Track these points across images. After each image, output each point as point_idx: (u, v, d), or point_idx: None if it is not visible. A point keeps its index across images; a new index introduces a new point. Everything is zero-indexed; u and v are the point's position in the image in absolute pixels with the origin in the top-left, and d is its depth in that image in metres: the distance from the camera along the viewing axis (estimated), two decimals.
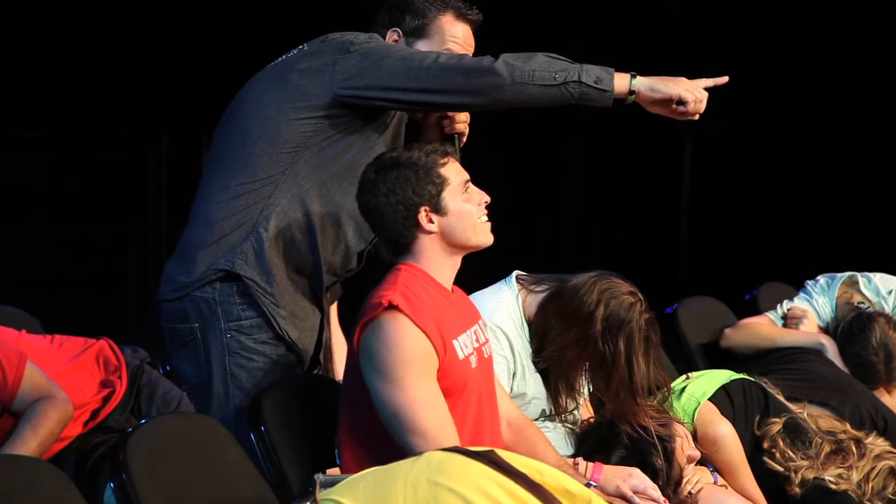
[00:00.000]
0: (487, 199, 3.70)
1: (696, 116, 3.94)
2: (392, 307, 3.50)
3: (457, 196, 3.65)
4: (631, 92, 3.89)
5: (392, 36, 4.07)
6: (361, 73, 3.86)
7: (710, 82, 3.97)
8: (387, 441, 3.52)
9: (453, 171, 3.66)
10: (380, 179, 3.63)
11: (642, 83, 3.91)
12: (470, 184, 3.70)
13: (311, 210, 3.93)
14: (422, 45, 4.04)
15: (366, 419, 3.58)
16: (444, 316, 3.61)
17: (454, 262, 3.70)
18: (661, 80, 3.93)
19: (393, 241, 3.67)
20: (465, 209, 3.65)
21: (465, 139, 4.11)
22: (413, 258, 3.66)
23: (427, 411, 3.49)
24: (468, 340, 3.67)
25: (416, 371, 3.49)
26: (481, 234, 3.68)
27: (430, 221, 3.63)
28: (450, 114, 4.08)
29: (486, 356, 3.75)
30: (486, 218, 3.69)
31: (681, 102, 3.93)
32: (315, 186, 3.93)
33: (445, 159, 3.66)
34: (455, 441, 3.49)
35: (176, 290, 3.96)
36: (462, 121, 4.10)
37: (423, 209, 3.62)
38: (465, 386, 3.61)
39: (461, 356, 3.61)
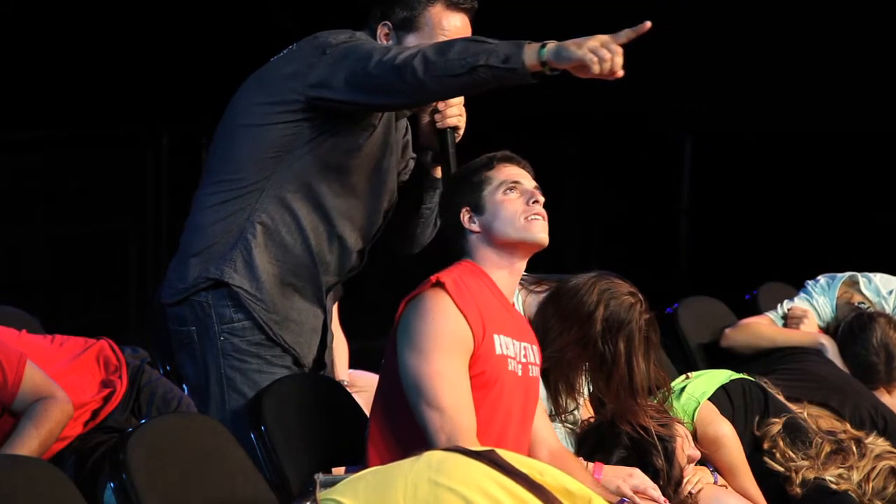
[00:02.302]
0: (539, 198, 3.72)
1: (618, 74, 3.54)
2: (438, 285, 3.59)
3: (497, 193, 3.72)
4: (543, 63, 3.58)
5: (382, 30, 3.99)
6: (327, 77, 3.81)
7: (633, 34, 3.57)
8: (416, 428, 3.55)
9: (500, 173, 3.75)
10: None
11: (550, 52, 3.56)
12: (521, 184, 3.74)
13: (299, 214, 3.91)
14: (411, 39, 3.95)
15: (397, 403, 3.61)
16: (493, 312, 3.66)
17: (510, 266, 3.73)
18: (571, 43, 3.56)
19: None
20: (502, 205, 3.70)
21: (460, 133, 4.03)
22: (471, 257, 3.75)
23: (448, 388, 3.52)
24: (514, 347, 3.69)
25: (445, 348, 3.55)
26: (523, 231, 3.70)
27: (472, 221, 3.72)
28: (440, 108, 4.00)
29: (531, 375, 3.76)
30: (536, 216, 3.70)
31: None
32: (301, 190, 3.91)
33: (495, 163, 3.76)
34: (471, 423, 3.52)
35: (174, 294, 3.96)
36: (453, 115, 4.00)
37: (463, 209, 3.73)
38: (496, 381, 3.63)
39: (498, 352, 3.64)
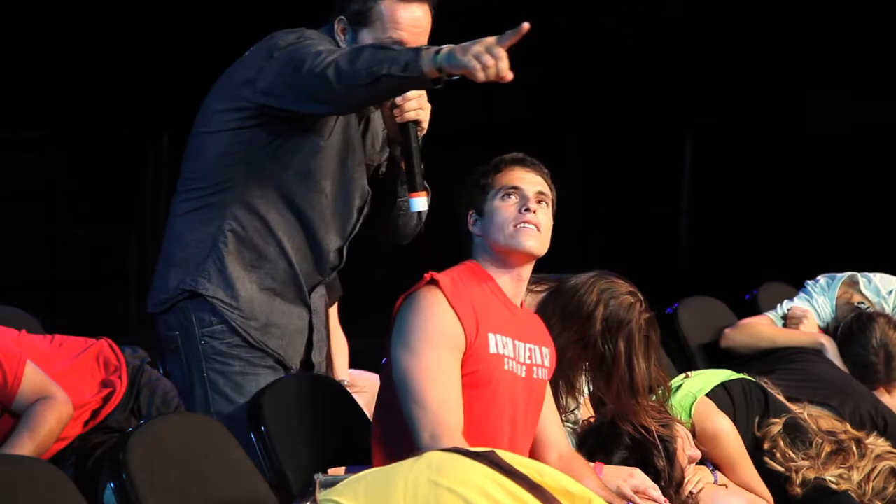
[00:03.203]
0: (532, 206, 3.69)
1: (506, 79, 3.46)
2: (433, 282, 3.62)
3: (495, 199, 3.72)
4: (440, 69, 3.49)
5: (339, 26, 3.91)
6: (271, 83, 3.76)
7: (515, 37, 3.45)
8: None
9: (504, 177, 3.74)
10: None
11: (443, 57, 3.48)
12: (520, 189, 3.72)
13: (268, 218, 3.88)
14: (365, 35, 3.86)
15: (398, 401, 3.61)
16: (491, 312, 3.66)
17: (510, 270, 3.73)
18: (459, 49, 3.46)
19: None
20: (497, 211, 3.71)
21: (424, 127, 3.89)
22: (475, 259, 3.76)
23: (435, 385, 3.53)
24: (514, 348, 3.69)
25: (435, 344, 3.56)
26: (510, 238, 3.68)
27: (475, 224, 3.74)
28: (398, 102, 3.87)
29: (535, 376, 3.75)
30: (526, 224, 3.68)
31: None
32: (268, 195, 3.87)
33: (502, 166, 3.75)
34: (456, 422, 3.51)
35: (157, 304, 3.95)
36: (411, 108, 3.83)
37: (469, 212, 3.75)
38: (490, 380, 3.63)
39: (493, 350, 3.64)
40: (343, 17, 3.90)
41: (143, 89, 9.04)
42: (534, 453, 3.83)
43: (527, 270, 3.76)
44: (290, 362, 3.96)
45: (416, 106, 3.83)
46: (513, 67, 3.47)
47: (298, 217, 3.92)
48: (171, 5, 9.18)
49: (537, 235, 3.70)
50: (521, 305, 3.81)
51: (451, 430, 3.50)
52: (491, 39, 3.45)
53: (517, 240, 3.69)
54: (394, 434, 3.62)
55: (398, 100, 3.84)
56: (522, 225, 3.69)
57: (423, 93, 3.84)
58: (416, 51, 3.54)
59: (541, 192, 3.75)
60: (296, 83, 3.70)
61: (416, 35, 3.85)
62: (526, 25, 3.43)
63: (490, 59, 3.43)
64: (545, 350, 3.82)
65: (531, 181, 3.76)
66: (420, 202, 3.79)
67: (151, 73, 9.04)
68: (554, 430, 3.88)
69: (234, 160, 3.86)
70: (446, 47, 3.50)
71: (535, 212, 3.70)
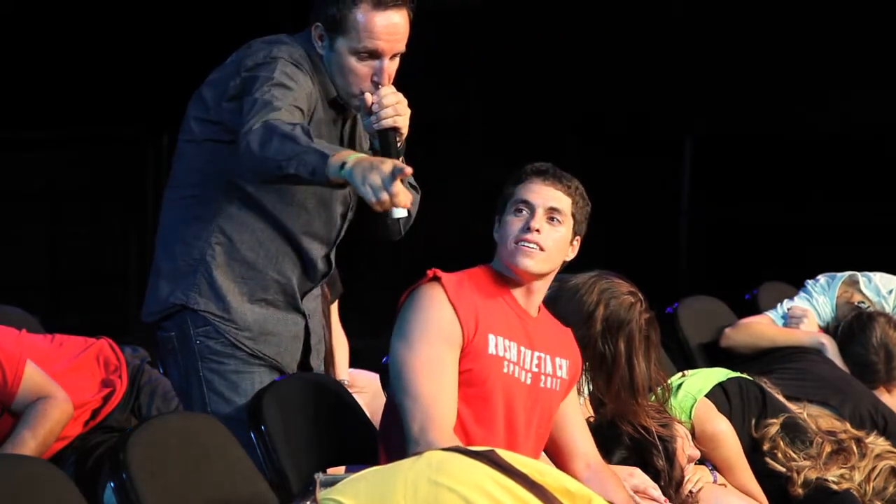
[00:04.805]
0: (536, 225, 3.66)
1: (407, 206, 3.41)
2: (435, 279, 3.64)
3: (509, 212, 3.72)
4: (345, 181, 3.40)
5: (316, 32, 3.82)
6: (231, 108, 3.73)
7: (401, 177, 3.35)
8: None
9: (522, 189, 3.72)
10: None
11: (346, 173, 3.38)
12: (530, 205, 3.69)
13: (255, 229, 3.85)
14: (342, 43, 3.76)
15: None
16: (496, 314, 3.66)
17: (519, 282, 3.71)
18: (358, 172, 3.35)
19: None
20: (506, 224, 3.71)
21: (404, 133, 3.73)
22: (495, 263, 3.75)
23: (428, 378, 3.54)
24: (517, 352, 3.68)
25: (430, 338, 3.58)
26: (510, 256, 3.68)
27: (496, 232, 3.75)
28: (374, 109, 3.71)
29: (542, 385, 3.72)
30: (525, 243, 3.66)
31: None
32: (253, 207, 3.84)
33: (524, 177, 3.74)
34: (446, 415, 3.52)
35: (150, 315, 3.93)
36: (387, 116, 3.66)
37: (497, 218, 3.75)
38: (484, 381, 3.62)
39: (492, 351, 3.63)
40: (319, 23, 3.80)
41: (144, 89, 9.04)
42: (560, 463, 3.82)
43: (538, 285, 3.74)
44: (287, 368, 3.95)
45: (393, 113, 3.68)
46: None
47: (283, 230, 3.88)
48: (170, 5, 9.18)
49: (537, 255, 3.67)
50: (539, 313, 3.79)
51: (441, 424, 3.50)
52: (387, 169, 3.34)
53: (515, 259, 3.68)
54: (397, 433, 3.61)
55: (374, 107, 3.71)
56: (522, 244, 3.67)
57: (400, 98, 3.71)
58: (323, 156, 3.42)
59: (553, 209, 3.71)
60: (236, 124, 3.68)
61: (394, 42, 3.76)
62: (408, 170, 3.36)
63: (385, 195, 3.34)
64: (561, 361, 3.78)
65: (545, 196, 3.72)
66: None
67: (152, 74, 9.04)
68: (581, 439, 3.86)
69: (215, 170, 3.84)
70: (350, 161, 3.38)
71: (537, 230, 3.68)
